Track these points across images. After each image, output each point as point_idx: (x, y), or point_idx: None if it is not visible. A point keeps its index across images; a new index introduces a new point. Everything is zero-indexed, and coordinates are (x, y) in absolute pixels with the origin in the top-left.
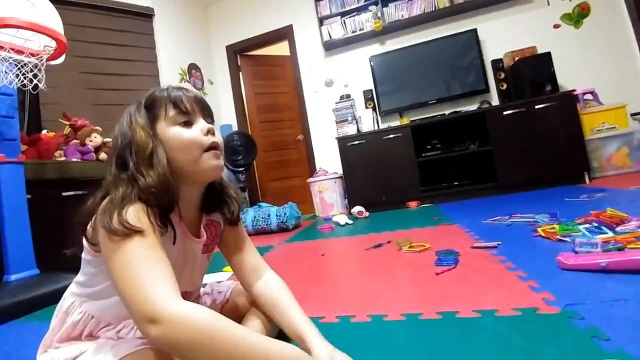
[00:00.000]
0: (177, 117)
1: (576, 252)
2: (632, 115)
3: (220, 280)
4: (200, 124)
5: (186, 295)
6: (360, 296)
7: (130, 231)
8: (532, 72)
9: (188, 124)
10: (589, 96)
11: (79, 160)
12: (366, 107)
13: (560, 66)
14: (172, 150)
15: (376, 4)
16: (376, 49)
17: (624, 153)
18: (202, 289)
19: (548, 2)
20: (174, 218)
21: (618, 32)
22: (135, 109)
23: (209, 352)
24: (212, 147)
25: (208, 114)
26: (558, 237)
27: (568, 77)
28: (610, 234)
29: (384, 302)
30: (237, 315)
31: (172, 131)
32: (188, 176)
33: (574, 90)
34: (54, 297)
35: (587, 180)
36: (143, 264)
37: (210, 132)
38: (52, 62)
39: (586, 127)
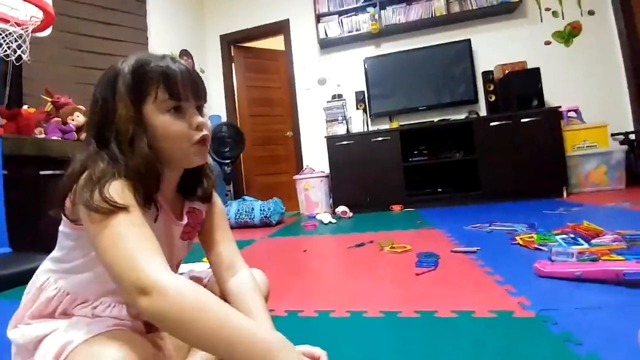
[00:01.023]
0: (168, 103)
1: (552, 261)
2: (613, 135)
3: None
4: (191, 115)
5: None
6: (340, 292)
7: (115, 208)
8: (520, 86)
9: (179, 109)
10: (572, 114)
11: (60, 138)
12: (357, 108)
13: (548, 82)
14: (158, 139)
15: (374, 5)
16: (371, 51)
17: (601, 171)
18: None
19: (541, 18)
20: (158, 197)
21: (607, 53)
22: (120, 74)
23: (197, 325)
24: (202, 140)
25: (202, 96)
26: (535, 245)
27: (554, 94)
28: (586, 245)
29: (364, 299)
30: None
31: (160, 120)
32: (173, 162)
33: (560, 107)
34: (26, 276)
35: (565, 195)
36: (132, 237)
37: (199, 127)
38: (38, 34)
39: (568, 143)
